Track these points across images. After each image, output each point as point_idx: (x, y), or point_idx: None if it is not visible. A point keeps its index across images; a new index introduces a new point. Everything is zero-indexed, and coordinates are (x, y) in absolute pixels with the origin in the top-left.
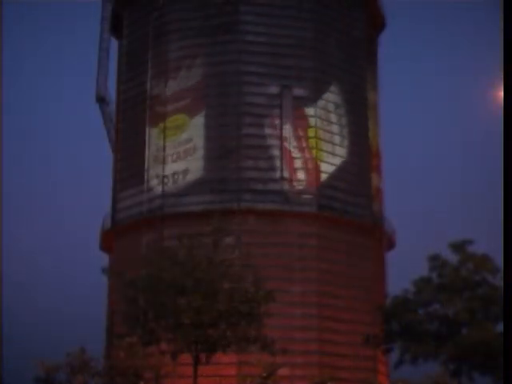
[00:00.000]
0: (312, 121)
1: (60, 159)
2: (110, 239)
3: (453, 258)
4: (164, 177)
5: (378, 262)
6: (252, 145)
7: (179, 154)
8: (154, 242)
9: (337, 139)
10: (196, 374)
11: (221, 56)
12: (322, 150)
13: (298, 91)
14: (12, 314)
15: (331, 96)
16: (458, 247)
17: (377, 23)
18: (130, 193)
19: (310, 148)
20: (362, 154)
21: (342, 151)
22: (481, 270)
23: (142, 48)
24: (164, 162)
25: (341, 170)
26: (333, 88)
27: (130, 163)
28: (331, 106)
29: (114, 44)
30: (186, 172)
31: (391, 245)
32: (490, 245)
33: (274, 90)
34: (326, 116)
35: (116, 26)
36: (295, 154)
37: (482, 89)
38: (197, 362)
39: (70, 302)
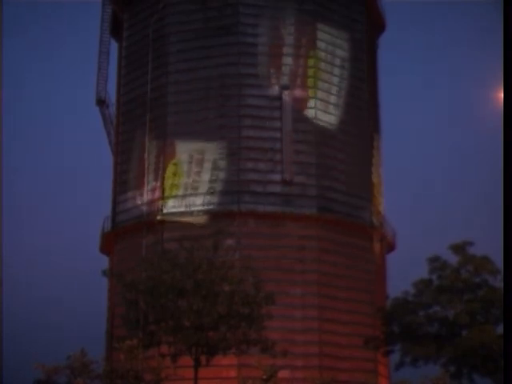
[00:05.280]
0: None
1: (60, 161)
2: (110, 241)
3: (453, 259)
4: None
5: (379, 263)
6: (252, 147)
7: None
8: (154, 244)
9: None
10: (196, 377)
11: (221, 58)
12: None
13: (299, 93)
14: (12, 315)
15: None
16: (458, 249)
17: (377, 25)
18: (130, 195)
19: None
20: (363, 154)
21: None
22: (481, 272)
23: (142, 50)
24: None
25: (341, 172)
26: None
27: (130, 165)
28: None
29: (114, 46)
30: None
31: (391, 247)
32: (491, 246)
33: (274, 91)
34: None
35: (116, 28)
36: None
37: (483, 89)
38: (197, 365)
39: (70, 305)
